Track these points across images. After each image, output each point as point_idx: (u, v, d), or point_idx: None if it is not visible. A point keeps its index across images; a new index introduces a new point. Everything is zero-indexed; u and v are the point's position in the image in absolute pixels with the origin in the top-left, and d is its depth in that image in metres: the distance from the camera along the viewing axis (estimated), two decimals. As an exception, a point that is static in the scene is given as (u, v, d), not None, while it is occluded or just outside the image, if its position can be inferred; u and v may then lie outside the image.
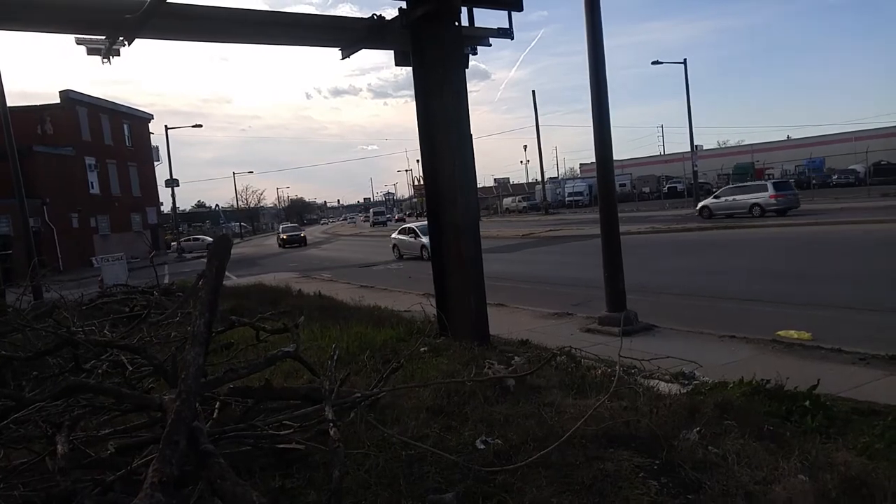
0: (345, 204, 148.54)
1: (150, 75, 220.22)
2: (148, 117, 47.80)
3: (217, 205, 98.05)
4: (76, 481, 2.81)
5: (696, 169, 35.72)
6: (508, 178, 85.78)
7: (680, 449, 3.21)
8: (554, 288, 12.04)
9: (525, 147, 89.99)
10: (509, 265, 16.63)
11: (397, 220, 79.70)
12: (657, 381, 4.84)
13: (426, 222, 7.81)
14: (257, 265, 26.23)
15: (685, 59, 33.85)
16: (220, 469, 2.48)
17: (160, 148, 46.74)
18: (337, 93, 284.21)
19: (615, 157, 8.08)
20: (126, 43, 6.09)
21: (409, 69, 7.06)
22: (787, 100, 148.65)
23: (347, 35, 7.27)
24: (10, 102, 15.08)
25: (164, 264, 30.69)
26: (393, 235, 24.37)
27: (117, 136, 42.47)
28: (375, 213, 72.61)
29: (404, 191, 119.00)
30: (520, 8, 7.21)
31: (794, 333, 6.52)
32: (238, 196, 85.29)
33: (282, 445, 3.32)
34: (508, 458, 3.15)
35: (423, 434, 3.48)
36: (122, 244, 34.82)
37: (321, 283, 15.40)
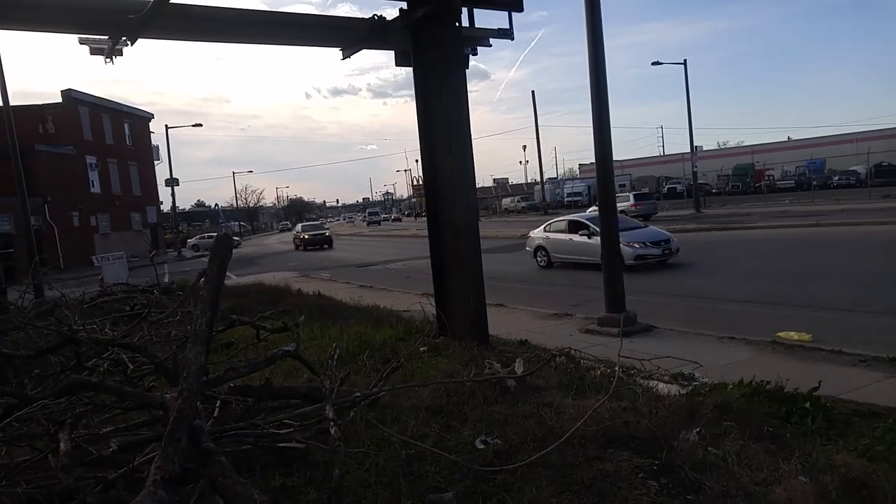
0: (344, 204, 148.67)
1: (150, 75, 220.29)
2: (148, 116, 47.83)
3: (217, 204, 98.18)
4: (78, 479, 2.82)
5: (695, 170, 35.68)
6: (507, 179, 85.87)
7: (679, 449, 3.21)
8: (553, 288, 12.05)
9: (524, 147, 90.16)
10: (508, 265, 16.63)
11: (393, 220, 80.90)
12: (657, 381, 4.85)
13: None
14: (256, 264, 26.24)
15: (685, 60, 33.80)
16: (222, 467, 2.49)
17: (160, 147, 46.80)
18: (336, 92, 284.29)
19: (615, 158, 8.08)
20: (129, 43, 6.11)
21: (409, 69, 7.07)
22: (788, 101, 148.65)
23: (348, 35, 7.28)
24: (11, 101, 15.11)
25: (164, 263, 30.71)
26: (535, 233, 16.15)
27: (118, 135, 42.51)
28: (370, 214, 79.29)
29: (403, 191, 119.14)
30: (520, 8, 7.22)
31: (794, 335, 6.52)
32: (237, 195, 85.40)
33: (282, 444, 3.33)
34: (508, 458, 3.16)
35: (422, 433, 3.48)
36: (123, 243, 34.82)
37: (320, 283, 15.41)
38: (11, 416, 3.32)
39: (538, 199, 56.64)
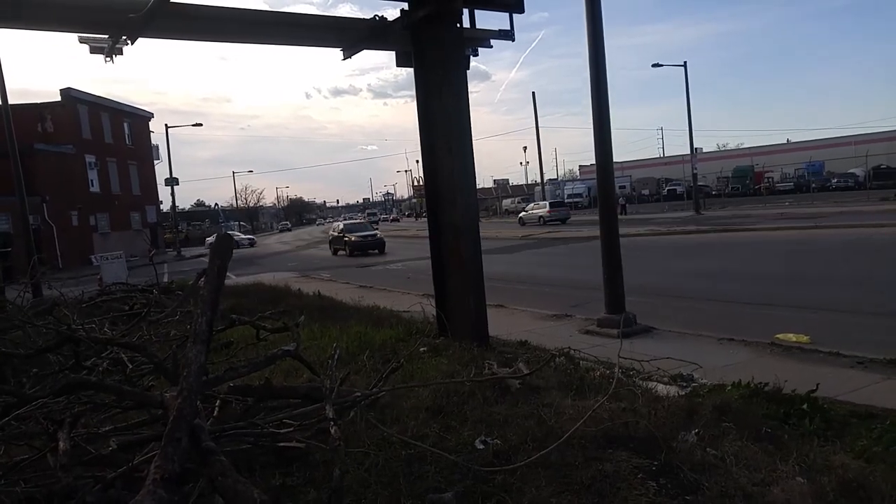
0: (344, 204, 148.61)
1: (150, 74, 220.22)
2: (148, 116, 47.80)
3: (216, 204, 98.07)
4: (77, 478, 2.82)
5: (695, 171, 35.73)
6: (508, 180, 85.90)
7: (678, 450, 3.22)
8: (553, 289, 12.06)
9: (525, 148, 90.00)
10: (508, 266, 16.64)
11: (392, 220, 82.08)
12: (656, 382, 4.85)
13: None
14: (256, 264, 26.23)
15: (685, 62, 33.90)
16: (222, 466, 2.49)
17: (160, 146, 46.77)
18: (337, 93, 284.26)
19: (615, 159, 8.10)
20: (129, 42, 6.11)
21: (410, 70, 7.08)
22: (787, 103, 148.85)
23: (349, 35, 7.29)
24: (10, 100, 15.10)
25: (164, 263, 30.68)
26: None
27: (118, 134, 42.48)
28: (368, 215, 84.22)
29: (404, 191, 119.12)
30: (521, 10, 7.23)
31: (792, 336, 6.54)
32: (237, 195, 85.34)
33: (282, 444, 3.33)
34: (508, 459, 3.17)
35: (422, 434, 3.49)
36: (122, 242, 34.79)
37: (320, 283, 15.41)
38: (10, 414, 3.32)
39: (538, 200, 56.65)
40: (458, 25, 6.63)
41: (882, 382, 5.00)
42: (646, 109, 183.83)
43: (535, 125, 49.39)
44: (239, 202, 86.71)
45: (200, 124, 42.98)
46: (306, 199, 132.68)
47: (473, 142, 6.84)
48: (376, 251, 25.63)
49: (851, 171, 43.44)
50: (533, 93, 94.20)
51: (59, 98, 36.73)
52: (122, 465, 2.92)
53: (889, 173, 41.07)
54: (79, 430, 3.37)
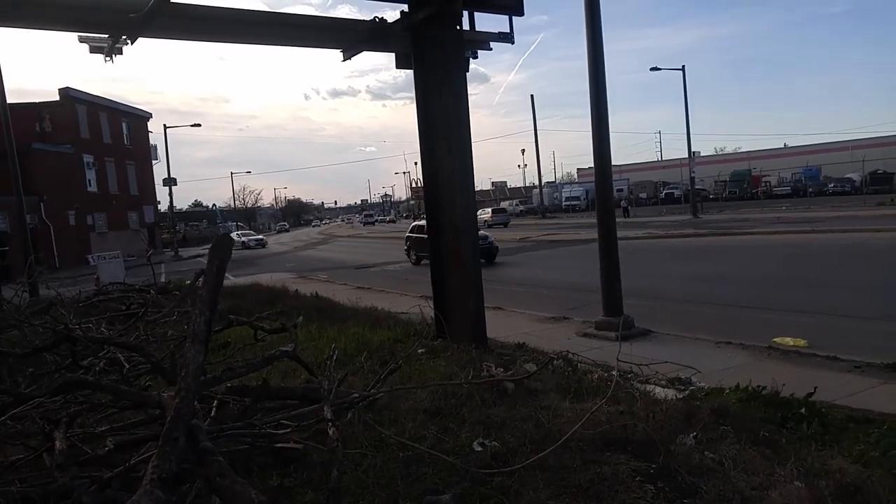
0: (342, 205, 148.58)
1: (148, 74, 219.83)
2: (146, 116, 47.74)
3: (214, 204, 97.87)
4: (74, 478, 2.80)
5: (693, 175, 35.83)
6: (506, 182, 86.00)
7: (676, 454, 3.22)
8: (551, 292, 12.06)
9: (523, 151, 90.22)
10: (506, 268, 16.65)
11: (389, 222, 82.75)
12: (654, 385, 4.86)
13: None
14: (254, 265, 26.18)
15: (683, 66, 34.03)
16: (220, 467, 2.48)
17: (158, 146, 46.68)
18: (335, 94, 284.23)
19: (613, 162, 8.11)
20: (129, 42, 6.11)
21: (409, 72, 7.09)
22: (785, 108, 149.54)
23: (349, 37, 7.30)
24: (8, 99, 15.06)
25: (161, 263, 30.60)
26: None
27: (116, 134, 42.41)
28: (366, 216, 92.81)
29: (402, 193, 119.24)
30: (521, 13, 7.25)
31: (790, 340, 6.55)
32: (235, 196, 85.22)
33: (280, 444, 3.32)
34: (505, 461, 3.16)
35: (420, 435, 3.48)
36: (119, 242, 34.71)
37: (318, 284, 15.39)
38: (6, 414, 3.30)
39: (536, 202, 56.71)
40: (458, 27, 6.64)
41: (879, 387, 5.01)
42: (644, 113, 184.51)
43: (533, 128, 49.50)
44: (237, 203, 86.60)
45: (199, 125, 42.87)
46: (304, 201, 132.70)
47: (472, 143, 6.85)
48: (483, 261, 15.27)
49: (848, 175, 43.59)
50: (531, 95, 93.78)
51: (56, 97, 36.66)
52: (119, 466, 2.91)
53: (885, 178, 41.23)
54: (75, 429, 3.36)
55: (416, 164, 70.06)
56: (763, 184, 48.58)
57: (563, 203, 59.55)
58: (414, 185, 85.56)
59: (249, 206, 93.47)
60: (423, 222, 16.26)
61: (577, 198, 57.98)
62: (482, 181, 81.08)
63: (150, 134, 47.75)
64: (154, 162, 48.02)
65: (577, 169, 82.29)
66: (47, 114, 36.30)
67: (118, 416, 3.79)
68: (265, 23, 6.85)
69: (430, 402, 4.02)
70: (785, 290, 10.32)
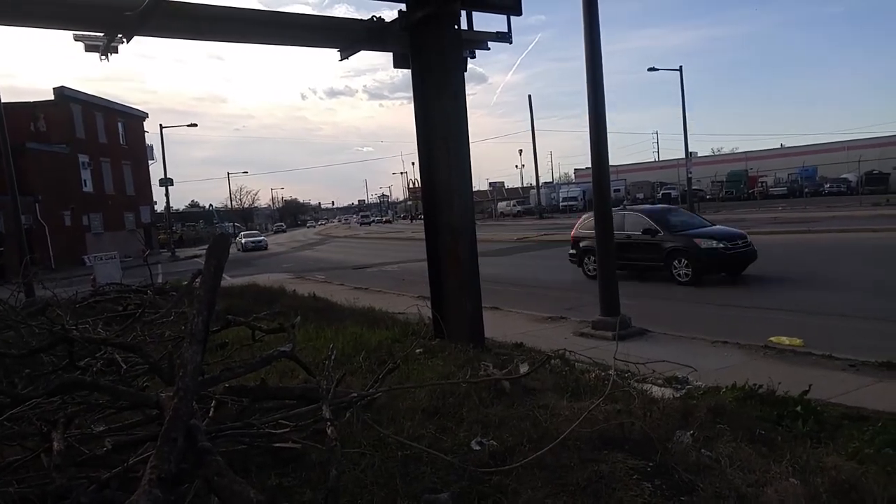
0: (339, 206, 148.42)
1: (144, 73, 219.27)
2: (143, 115, 47.59)
3: (211, 205, 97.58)
4: (72, 478, 2.80)
5: (690, 175, 35.91)
6: (503, 182, 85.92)
7: (673, 452, 3.24)
8: (548, 292, 12.08)
9: (520, 151, 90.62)
10: (504, 269, 16.66)
11: (385, 222, 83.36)
12: (651, 384, 4.88)
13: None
14: (251, 266, 26.13)
15: (681, 67, 34.10)
16: (218, 466, 2.48)
17: (154, 146, 46.54)
18: (332, 94, 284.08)
19: (610, 163, 8.14)
20: (125, 40, 6.10)
21: (407, 71, 7.09)
22: (781, 108, 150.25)
23: (347, 36, 7.30)
24: (3, 98, 15.01)
25: (158, 263, 30.52)
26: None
27: (111, 134, 42.25)
28: (362, 216, 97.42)
29: (399, 193, 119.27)
30: (518, 12, 7.27)
31: (785, 340, 6.59)
32: (232, 196, 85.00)
33: (278, 444, 3.32)
34: (503, 460, 3.17)
35: (418, 434, 3.49)
36: (116, 243, 34.59)
37: (315, 285, 15.37)
38: (3, 415, 3.30)
39: (534, 203, 56.76)
40: (456, 27, 6.65)
41: (873, 385, 5.05)
42: (641, 113, 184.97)
43: (531, 128, 49.55)
44: (234, 203, 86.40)
45: (195, 125, 42.69)
46: (301, 201, 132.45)
47: (470, 144, 6.86)
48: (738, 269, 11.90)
49: (844, 176, 43.79)
50: (529, 96, 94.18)
51: (51, 97, 36.50)
52: (117, 466, 2.90)
53: (881, 178, 41.44)
54: (73, 430, 3.35)
55: (413, 164, 70.08)
56: (760, 184, 48.76)
57: (561, 203, 59.61)
58: (411, 185, 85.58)
59: (246, 206, 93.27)
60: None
61: (575, 198, 58.06)
62: (479, 182, 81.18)
63: (146, 134, 47.65)
64: (150, 162, 47.86)
65: (575, 169, 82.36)
66: (42, 113, 36.12)
67: (116, 417, 3.78)
68: (261, 22, 6.85)
69: (428, 402, 4.02)
70: (781, 289, 10.37)
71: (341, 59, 7.59)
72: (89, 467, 3.05)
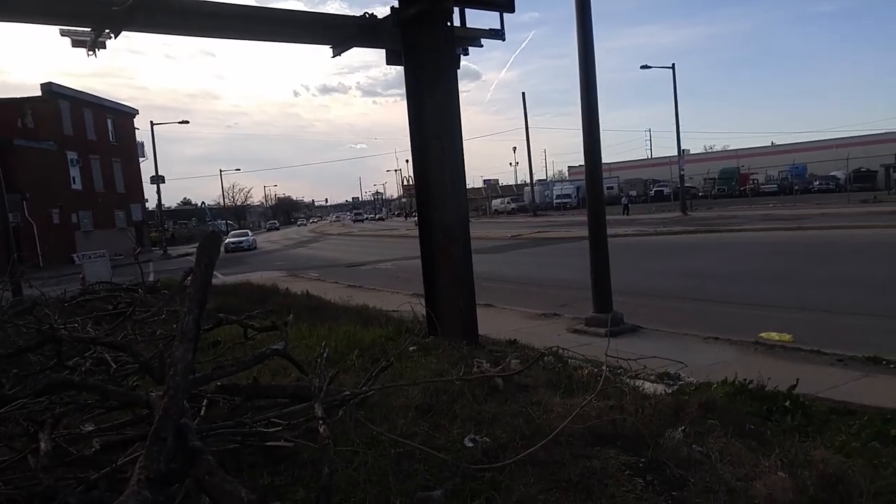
0: (333, 203, 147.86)
1: (133, 69, 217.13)
2: (133, 112, 47.14)
3: (203, 202, 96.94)
4: (59, 479, 2.77)
5: (682, 173, 36.13)
6: (497, 180, 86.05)
7: (665, 447, 3.26)
8: (541, 289, 12.11)
9: (514, 149, 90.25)
10: (498, 266, 16.68)
11: (378, 219, 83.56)
12: (643, 381, 4.90)
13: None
14: (244, 263, 26.00)
15: (673, 64, 34.29)
16: (209, 466, 2.47)
17: (145, 144, 46.12)
18: (325, 90, 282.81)
19: (603, 160, 8.16)
20: (112, 36, 6.02)
21: (400, 68, 7.06)
22: (773, 106, 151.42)
23: (338, 33, 7.25)
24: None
25: (150, 262, 30.28)
26: None
27: (101, 130, 41.82)
28: (356, 214, 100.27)
29: (393, 191, 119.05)
30: (511, 9, 7.25)
31: (775, 335, 6.64)
32: (225, 194, 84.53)
33: (270, 443, 3.31)
34: (496, 456, 3.17)
35: (411, 432, 3.48)
36: (106, 241, 34.25)
37: (309, 283, 15.32)
38: (-9, 415, 3.26)
39: (528, 200, 56.88)
40: (449, 24, 6.62)
41: (861, 380, 5.10)
42: (634, 111, 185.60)
43: (524, 125, 49.58)
44: (226, 201, 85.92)
45: (187, 121, 42.96)
46: (294, 198, 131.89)
47: (463, 141, 6.85)
48: None
49: (833, 173, 44.23)
50: (523, 93, 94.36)
51: (39, 92, 36.06)
52: (106, 466, 2.87)
53: (868, 176, 41.91)
54: (61, 430, 3.31)
55: (407, 161, 69.97)
56: (751, 181, 49.11)
57: (555, 201, 59.79)
58: (406, 182, 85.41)
59: (239, 203, 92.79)
60: None
61: (568, 196, 58.25)
62: (473, 179, 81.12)
63: (136, 131, 47.21)
64: (141, 159, 47.46)
65: (568, 167, 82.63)
66: (29, 109, 35.68)
67: (105, 417, 3.74)
68: (252, 18, 6.78)
69: (421, 399, 4.02)
70: (772, 286, 10.45)
71: (333, 56, 7.54)
72: (77, 468, 3.02)
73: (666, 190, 50.99)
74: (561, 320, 8.54)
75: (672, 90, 34.25)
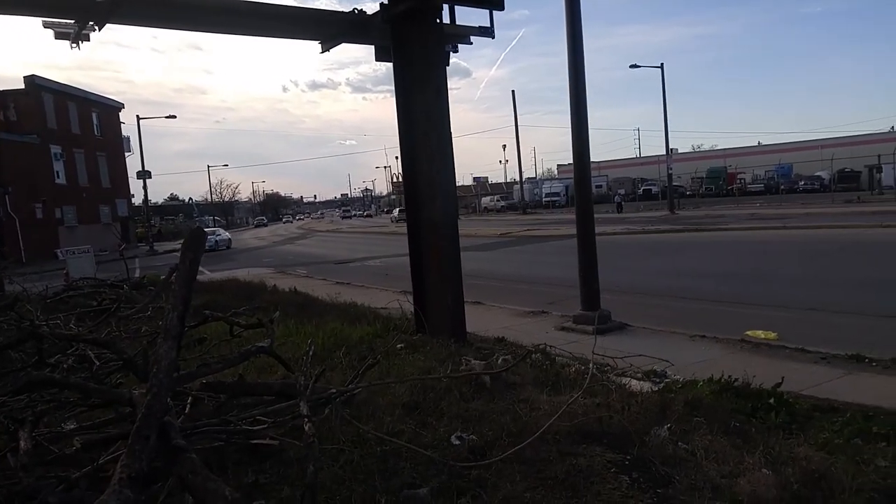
0: (322, 200, 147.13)
1: (119, 62, 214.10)
2: (118, 106, 46.48)
3: (191, 198, 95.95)
4: (39, 478, 2.72)
5: (670, 172, 36.41)
6: (487, 178, 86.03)
7: (651, 445, 3.27)
8: (530, 287, 12.15)
9: (504, 147, 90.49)
10: (487, 264, 16.70)
11: (366, 216, 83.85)
12: (629, 378, 4.93)
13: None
14: (231, 260, 25.78)
15: (662, 64, 34.51)
16: (192, 464, 2.44)
17: (132, 138, 45.50)
18: (315, 86, 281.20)
19: (592, 159, 8.19)
20: (96, 28, 5.92)
21: (390, 65, 7.02)
22: (760, 106, 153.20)
23: (327, 28, 7.19)
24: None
25: (135, 258, 29.91)
26: None
27: (85, 124, 41.17)
28: (344, 210, 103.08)
29: (383, 188, 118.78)
30: (501, 7, 7.24)
31: (761, 333, 6.72)
32: (212, 189, 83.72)
33: (255, 441, 3.28)
34: (483, 454, 3.17)
35: (398, 430, 3.47)
36: (90, 236, 33.78)
37: (297, 280, 15.23)
38: (-31, 413, 3.19)
39: (517, 198, 57.00)
40: (439, 21, 6.60)
41: (844, 377, 5.18)
42: (623, 110, 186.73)
43: (514, 123, 49.65)
44: (214, 196, 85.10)
45: (174, 116, 41.89)
46: (283, 195, 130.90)
47: (453, 139, 6.83)
48: None
49: (818, 173, 44.84)
50: (513, 91, 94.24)
51: (22, 85, 35.42)
52: (87, 465, 2.83)
53: (852, 176, 42.56)
54: (41, 429, 3.26)
55: (396, 158, 69.69)
56: (738, 181, 49.64)
57: (544, 199, 59.96)
58: (395, 179, 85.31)
59: (227, 199, 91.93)
60: None
61: (557, 194, 58.43)
62: (463, 176, 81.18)
63: (122, 125, 46.57)
64: (127, 154, 46.81)
65: (558, 165, 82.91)
66: (12, 102, 35.07)
67: (87, 415, 3.69)
68: (240, 12, 6.70)
69: (408, 397, 4.01)
70: (757, 284, 10.57)
71: (322, 52, 7.49)
72: (58, 467, 2.97)
73: (654, 189, 51.34)
74: (549, 318, 8.57)
75: (661, 89, 34.48)
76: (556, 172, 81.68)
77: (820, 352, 5.84)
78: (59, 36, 5.93)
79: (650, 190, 52.27)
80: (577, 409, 3.63)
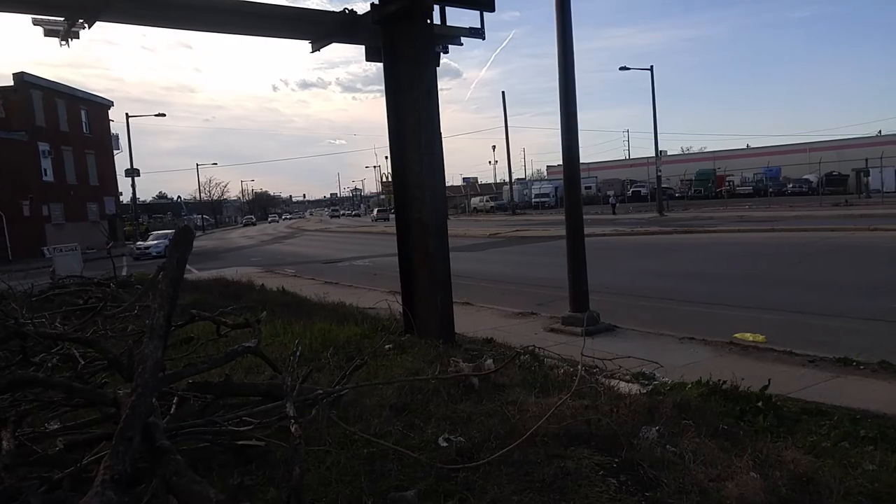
0: (311, 199, 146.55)
1: (109, 60, 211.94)
2: (107, 104, 45.98)
3: (179, 196, 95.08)
4: (22, 479, 2.69)
5: (659, 174, 36.67)
6: (477, 178, 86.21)
7: (639, 448, 3.27)
8: (519, 287, 12.16)
9: (494, 147, 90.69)
10: (476, 264, 16.70)
11: (353, 215, 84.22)
12: (618, 380, 4.94)
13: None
14: (219, 259, 25.59)
15: (651, 66, 34.70)
16: (177, 466, 2.40)
17: (120, 136, 45.02)
18: (305, 86, 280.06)
19: (582, 160, 8.21)
20: (86, 25, 5.85)
21: (380, 65, 7.01)
22: (749, 109, 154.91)
23: (318, 28, 7.16)
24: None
25: (123, 256, 29.58)
26: None
27: (74, 122, 40.68)
28: (332, 210, 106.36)
29: (372, 187, 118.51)
30: (492, 8, 7.24)
31: (749, 336, 6.76)
32: (201, 188, 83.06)
33: (241, 442, 3.25)
34: (471, 456, 3.16)
35: (385, 432, 3.45)
36: (78, 234, 33.37)
37: (285, 279, 15.13)
38: (-52, 413, 3.13)
39: (507, 199, 57.09)
40: (429, 22, 6.59)
41: (831, 380, 5.22)
42: (613, 112, 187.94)
43: (504, 125, 49.74)
44: (203, 195, 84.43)
45: (163, 114, 41.46)
46: (272, 193, 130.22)
47: (443, 139, 6.82)
48: None
49: (806, 176, 45.36)
50: (503, 92, 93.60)
51: (11, 82, 34.94)
52: (71, 466, 2.80)
53: (840, 180, 43.11)
54: (24, 429, 3.22)
55: (386, 158, 69.43)
56: (727, 183, 50.07)
57: (533, 200, 60.10)
58: (385, 179, 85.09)
59: (216, 198, 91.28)
60: None
61: (547, 195, 58.59)
62: (453, 177, 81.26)
63: (111, 123, 46.05)
64: (116, 152, 46.31)
65: (547, 166, 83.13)
66: (0, 99, 34.57)
67: (71, 415, 3.64)
68: (230, 11, 6.65)
69: (396, 398, 3.99)
70: (746, 287, 10.66)
71: (313, 51, 7.46)
72: (41, 467, 2.93)
73: (643, 190, 51.64)
74: (538, 319, 8.58)
75: (650, 91, 34.69)
76: (545, 173, 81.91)
77: (808, 355, 5.88)
78: (48, 33, 5.85)
79: (639, 191, 52.57)
80: (566, 412, 3.62)
